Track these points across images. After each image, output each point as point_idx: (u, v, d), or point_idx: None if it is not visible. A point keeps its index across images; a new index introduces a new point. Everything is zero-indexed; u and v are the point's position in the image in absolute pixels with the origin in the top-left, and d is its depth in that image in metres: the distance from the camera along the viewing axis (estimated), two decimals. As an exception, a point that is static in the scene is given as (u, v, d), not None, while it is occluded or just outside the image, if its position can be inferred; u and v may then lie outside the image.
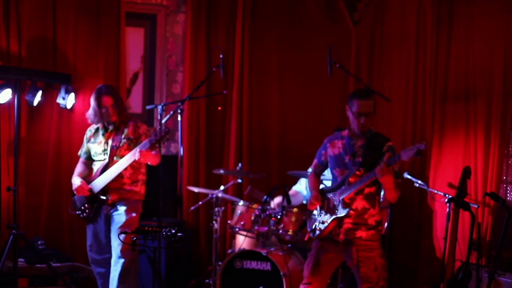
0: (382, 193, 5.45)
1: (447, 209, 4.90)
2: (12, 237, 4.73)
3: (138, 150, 4.42)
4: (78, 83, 5.67)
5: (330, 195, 4.04)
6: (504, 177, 5.47)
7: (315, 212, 4.10)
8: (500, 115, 5.26)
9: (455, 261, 4.01)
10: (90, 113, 4.72)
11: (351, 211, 3.92)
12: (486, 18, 5.38)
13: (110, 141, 4.67)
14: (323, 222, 4.00)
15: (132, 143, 4.63)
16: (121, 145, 4.63)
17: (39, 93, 5.37)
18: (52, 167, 5.64)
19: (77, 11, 5.68)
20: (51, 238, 5.58)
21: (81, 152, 4.88)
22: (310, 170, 4.31)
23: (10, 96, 5.17)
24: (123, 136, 4.65)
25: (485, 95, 5.37)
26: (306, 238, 4.23)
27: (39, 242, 5.37)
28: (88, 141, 4.80)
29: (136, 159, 4.44)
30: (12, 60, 5.42)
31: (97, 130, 4.78)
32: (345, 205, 3.92)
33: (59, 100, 5.52)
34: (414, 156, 3.64)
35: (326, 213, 4.01)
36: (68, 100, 5.52)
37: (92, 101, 4.68)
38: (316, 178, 4.25)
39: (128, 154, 4.51)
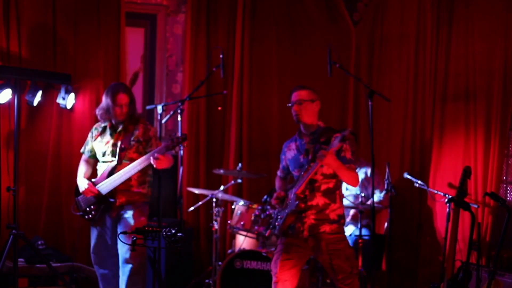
0: (382, 193, 5.47)
1: (447, 209, 4.90)
2: (12, 237, 4.72)
3: (155, 154, 4.34)
4: (78, 83, 5.67)
5: (289, 192, 4.16)
6: (504, 177, 5.47)
7: (279, 210, 4.22)
8: (500, 115, 5.26)
9: (455, 261, 4.01)
10: (101, 109, 4.61)
11: (301, 204, 4.00)
12: (486, 18, 5.37)
13: (119, 143, 4.57)
14: (280, 218, 4.12)
15: (141, 146, 4.56)
16: (130, 147, 4.56)
17: (39, 93, 5.37)
18: (52, 167, 5.64)
19: (77, 11, 5.69)
20: (51, 238, 5.59)
21: (84, 149, 4.79)
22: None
23: (10, 96, 5.17)
24: (132, 138, 4.57)
25: (485, 95, 5.37)
26: (267, 234, 4.32)
27: (39, 242, 5.37)
28: (94, 139, 4.70)
29: (153, 163, 4.38)
30: (12, 60, 5.42)
31: (104, 129, 4.69)
32: (297, 198, 4.03)
33: (59, 100, 5.52)
34: (340, 143, 3.82)
35: (283, 210, 4.13)
36: (68, 100, 5.52)
37: (106, 98, 4.56)
38: (281, 181, 4.44)
39: (141, 158, 4.44)
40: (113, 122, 4.64)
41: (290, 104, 4.18)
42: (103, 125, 4.70)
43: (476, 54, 5.44)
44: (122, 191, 4.53)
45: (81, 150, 4.84)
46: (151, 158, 4.38)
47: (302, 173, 4.06)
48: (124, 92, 4.56)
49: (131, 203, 4.56)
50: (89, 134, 4.78)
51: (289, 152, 4.26)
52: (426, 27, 5.81)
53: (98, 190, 4.55)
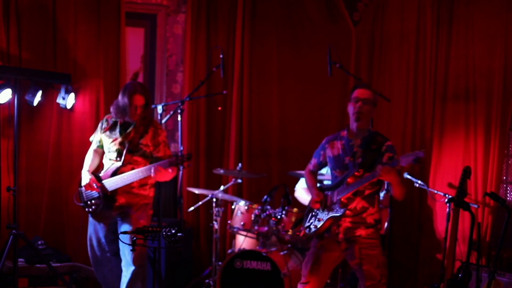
0: (382, 193, 5.47)
1: (447, 209, 4.90)
2: (12, 237, 4.73)
3: (156, 167, 4.32)
4: (78, 83, 5.67)
5: (328, 193, 4.06)
6: (504, 177, 5.47)
7: (314, 210, 4.12)
8: (500, 115, 5.26)
9: (455, 261, 4.01)
10: (116, 106, 4.53)
11: (347, 211, 3.93)
12: (486, 18, 5.37)
13: (126, 143, 4.50)
14: (319, 220, 4.02)
15: (148, 149, 4.52)
16: (137, 150, 4.52)
17: (39, 93, 5.37)
18: (52, 167, 5.64)
19: (77, 11, 5.69)
20: (51, 238, 5.59)
21: (93, 139, 4.71)
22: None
23: (10, 96, 5.17)
24: (141, 141, 4.52)
25: (485, 95, 5.37)
26: (301, 234, 4.26)
27: (39, 242, 5.37)
28: (103, 132, 4.62)
29: (152, 175, 4.35)
30: (12, 60, 5.43)
31: (114, 124, 4.59)
32: (342, 204, 3.93)
33: (59, 100, 5.52)
34: (412, 163, 3.63)
35: (323, 211, 4.03)
36: (68, 100, 5.53)
37: (123, 96, 4.46)
38: (313, 177, 4.28)
39: (143, 167, 4.42)
40: (125, 119, 4.55)
41: (352, 100, 4.00)
42: (114, 119, 4.61)
43: (476, 54, 5.44)
44: (123, 192, 4.51)
45: (90, 139, 4.77)
46: (152, 169, 4.35)
47: (347, 177, 3.92)
48: (141, 93, 4.46)
49: (131, 205, 4.54)
50: (99, 124, 4.69)
51: (332, 150, 4.10)
52: (426, 27, 5.81)
53: (100, 185, 4.50)
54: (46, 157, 5.63)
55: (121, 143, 4.52)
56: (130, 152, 4.51)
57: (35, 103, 5.41)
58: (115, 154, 4.56)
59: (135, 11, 6.18)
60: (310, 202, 4.18)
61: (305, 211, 4.26)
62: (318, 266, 4.02)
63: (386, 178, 3.78)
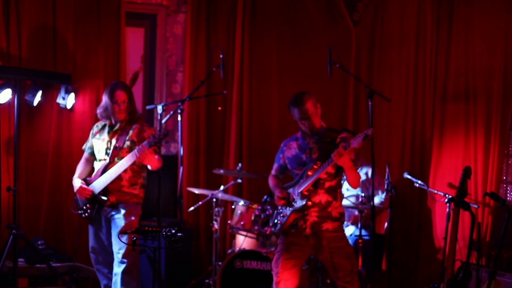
0: (383, 194, 5.46)
1: (447, 209, 4.91)
2: (12, 237, 4.73)
3: (138, 148, 4.38)
4: (78, 83, 5.67)
5: (290, 190, 4.17)
6: (504, 177, 5.47)
7: (278, 207, 4.21)
8: (500, 115, 5.26)
9: (455, 261, 4.01)
10: (101, 108, 4.67)
11: (308, 202, 4.02)
12: (486, 18, 5.37)
13: (113, 141, 4.61)
14: (283, 216, 4.12)
15: (135, 146, 4.56)
16: (124, 146, 4.58)
17: (39, 93, 5.37)
18: (52, 167, 5.64)
19: (77, 11, 5.68)
20: (51, 238, 5.59)
21: (86, 146, 4.83)
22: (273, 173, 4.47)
23: (10, 96, 5.17)
24: (127, 138, 4.59)
25: (485, 95, 5.37)
26: (268, 232, 4.32)
27: (39, 242, 5.37)
28: (94, 136, 4.75)
29: (137, 156, 4.38)
30: (12, 60, 5.42)
31: (104, 126, 4.73)
32: (303, 196, 4.04)
33: (59, 100, 5.52)
34: (363, 142, 3.77)
35: (286, 207, 4.13)
36: (68, 100, 5.52)
37: (105, 96, 4.61)
38: (276, 179, 4.41)
39: (128, 155, 4.47)
40: (113, 121, 4.67)
41: (298, 120, 4.15)
42: (103, 123, 4.74)
43: (476, 54, 5.44)
44: (113, 190, 4.57)
45: (83, 147, 4.87)
46: (135, 153, 4.38)
47: (306, 171, 4.05)
48: (122, 89, 4.59)
49: (121, 203, 4.58)
50: (91, 131, 4.82)
51: (289, 151, 4.26)
52: (426, 27, 5.81)
53: (90, 190, 4.58)
54: (46, 157, 5.62)
55: (108, 142, 4.63)
56: (117, 149, 4.58)
57: (35, 103, 5.41)
58: (103, 153, 4.64)
59: (135, 11, 6.18)
60: (275, 200, 4.27)
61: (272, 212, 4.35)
62: (290, 261, 4.09)
63: (339, 162, 3.88)
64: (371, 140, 4.05)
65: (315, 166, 4.02)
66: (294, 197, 4.11)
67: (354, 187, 4.10)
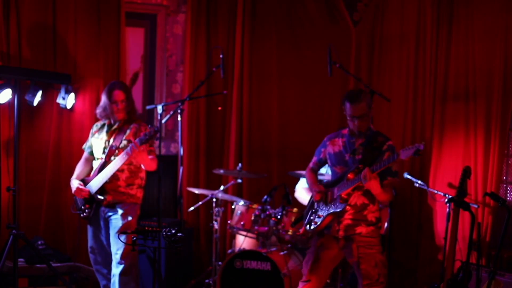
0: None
1: (447, 209, 4.90)
2: (12, 237, 4.73)
3: (130, 146, 4.38)
4: (78, 83, 5.67)
5: (328, 190, 4.07)
6: (504, 177, 5.47)
7: (315, 205, 4.11)
8: (500, 115, 5.26)
9: (455, 261, 4.01)
10: (99, 108, 4.69)
11: (347, 207, 3.93)
12: (486, 18, 5.37)
13: (111, 140, 4.63)
14: (319, 216, 4.02)
15: None
16: (120, 146, 4.59)
17: (39, 93, 5.37)
18: (52, 167, 5.64)
19: (77, 11, 5.68)
20: (51, 238, 5.59)
21: (86, 146, 4.86)
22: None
23: (10, 96, 5.17)
24: (124, 137, 4.61)
25: (485, 95, 5.37)
26: (301, 231, 4.25)
27: (39, 242, 5.37)
28: (93, 135, 4.78)
29: (129, 154, 4.37)
30: (12, 60, 5.42)
31: (102, 126, 4.75)
32: (342, 200, 3.93)
33: (59, 100, 5.52)
34: (413, 156, 3.62)
35: (323, 207, 4.03)
36: (68, 100, 5.52)
37: (104, 96, 4.64)
38: (314, 174, 4.28)
39: (121, 154, 4.47)
40: (112, 120, 4.68)
41: (348, 116, 3.98)
42: (103, 122, 4.76)
43: (476, 54, 5.44)
44: (110, 190, 4.58)
45: (83, 147, 4.89)
46: (128, 151, 4.38)
47: (347, 173, 3.93)
48: (119, 89, 4.60)
49: (118, 203, 4.58)
50: (90, 131, 4.85)
51: (333, 147, 4.11)
52: (426, 27, 5.80)
53: (87, 191, 4.59)
54: (46, 157, 5.62)
55: (107, 141, 4.64)
56: (114, 148, 4.60)
57: (35, 103, 5.41)
58: (101, 152, 4.65)
59: (135, 11, 6.18)
60: (312, 196, 4.16)
61: (305, 209, 4.26)
62: (318, 264, 4.02)
63: (366, 186, 3.77)
64: (421, 156, 3.82)
65: (357, 170, 3.88)
66: (333, 199, 3.98)
67: (384, 204, 3.97)
